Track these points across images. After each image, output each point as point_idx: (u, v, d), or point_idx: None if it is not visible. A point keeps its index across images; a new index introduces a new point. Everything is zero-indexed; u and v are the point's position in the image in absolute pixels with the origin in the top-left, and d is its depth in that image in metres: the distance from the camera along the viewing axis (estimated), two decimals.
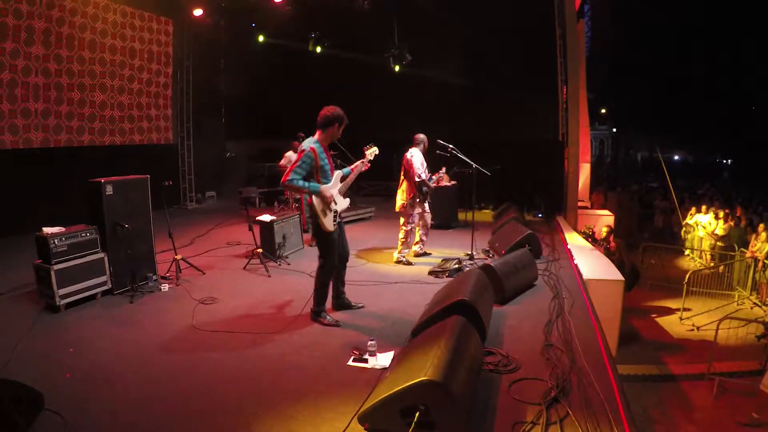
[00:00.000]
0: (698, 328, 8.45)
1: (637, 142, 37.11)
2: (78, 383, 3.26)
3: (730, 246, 10.90)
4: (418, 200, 6.26)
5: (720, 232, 11.76)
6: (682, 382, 6.78)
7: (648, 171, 27.21)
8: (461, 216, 9.01)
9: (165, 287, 5.22)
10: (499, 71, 11.22)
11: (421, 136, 6.43)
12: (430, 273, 5.81)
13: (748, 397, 6.19)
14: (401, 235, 6.34)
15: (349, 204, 4.51)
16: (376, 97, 11.89)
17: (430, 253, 6.70)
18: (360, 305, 4.68)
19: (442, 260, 6.14)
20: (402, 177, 6.32)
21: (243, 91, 12.03)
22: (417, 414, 2.44)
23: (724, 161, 34.51)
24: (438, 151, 6.39)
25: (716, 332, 7.08)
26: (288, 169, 4.06)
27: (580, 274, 5.55)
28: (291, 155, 8.35)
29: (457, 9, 11.07)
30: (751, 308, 9.17)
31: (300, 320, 4.35)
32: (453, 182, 8.78)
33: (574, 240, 7.54)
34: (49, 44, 7.83)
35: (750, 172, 25.88)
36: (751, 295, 9.50)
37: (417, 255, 6.57)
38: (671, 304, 9.54)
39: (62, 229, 4.67)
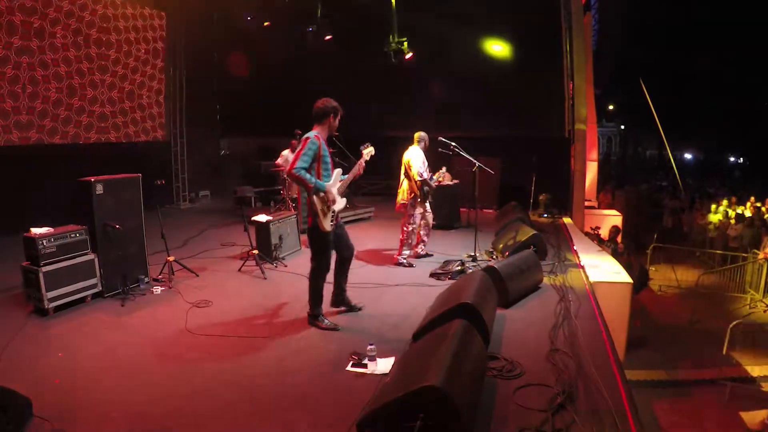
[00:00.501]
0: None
1: (645, 139, 36.76)
2: (67, 389, 3.19)
3: (742, 247, 10.71)
4: (419, 200, 6.14)
5: (748, 213, 12.00)
6: (693, 388, 6.63)
7: (658, 169, 26.97)
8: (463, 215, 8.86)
9: (157, 290, 5.12)
10: (503, 66, 11.04)
11: (422, 134, 6.33)
12: (432, 275, 5.70)
13: (760, 403, 6.02)
14: (402, 235, 6.22)
15: (346, 204, 4.43)
16: (376, 94, 11.78)
17: (432, 255, 6.58)
18: (360, 306, 4.62)
19: (444, 262, 6.04)
20: (402, 176, 6.21)
21: (238, 86, 11.88)
22: (418, 421, 2.38)
23: (736, 159, 34.14)
24: (440, 149, 6.27)
25: (726, 337, 6.92)
26: (294, 158, 3.97)
27: (587, 276, 5.47)
28: (288, 154, 8.22)
29: (461, 3, 10.91)
30: (764, 311, 8.98)
31: (297, 324, 4.29)
32: (455, 181, 8.65)
33: (580, 241, 7.42)
34: (30, 38, 7.50)
35: (762, 171, 25.53)
36: (764, 297, 9.29)
37: (418, 256, 6.46)
38: (680, 307, 9.37)
39: (51, 229, 4.57)
